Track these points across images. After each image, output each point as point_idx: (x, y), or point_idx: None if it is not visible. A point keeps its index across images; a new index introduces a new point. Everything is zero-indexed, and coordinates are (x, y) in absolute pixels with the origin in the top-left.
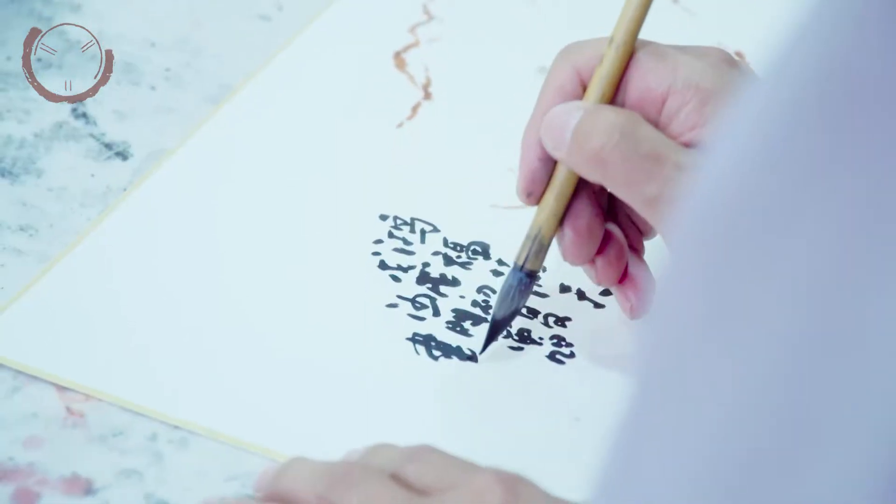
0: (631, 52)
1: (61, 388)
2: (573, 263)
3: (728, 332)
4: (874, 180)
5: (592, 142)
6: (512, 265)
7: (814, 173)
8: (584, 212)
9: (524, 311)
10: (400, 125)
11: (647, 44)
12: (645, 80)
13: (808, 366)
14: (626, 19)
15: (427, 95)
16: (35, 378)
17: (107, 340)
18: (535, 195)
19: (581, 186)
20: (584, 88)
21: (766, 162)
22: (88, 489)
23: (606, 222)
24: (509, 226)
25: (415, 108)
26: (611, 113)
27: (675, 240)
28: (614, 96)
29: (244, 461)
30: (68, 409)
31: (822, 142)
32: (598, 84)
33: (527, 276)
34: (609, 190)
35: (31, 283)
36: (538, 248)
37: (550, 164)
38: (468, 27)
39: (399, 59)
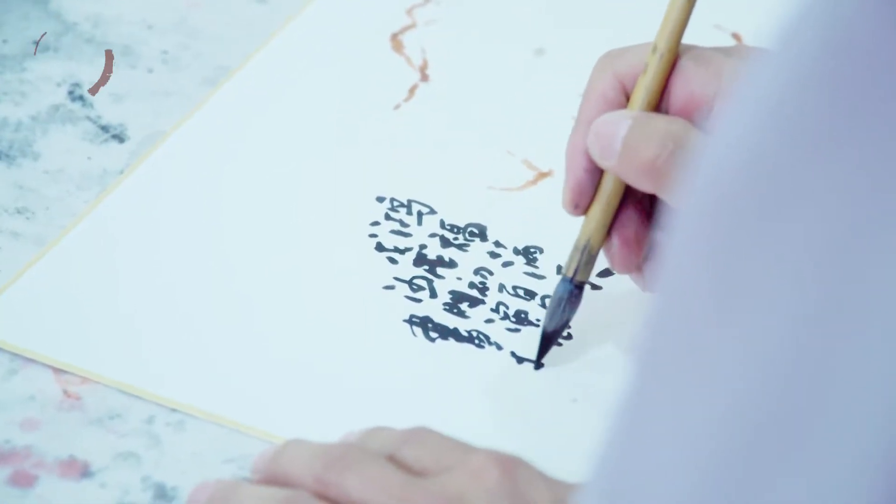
0: (675, 59)
1: (58, 371)
2: (621, 272)
3: (734, 311)
4: (882, 153)
5: (646, 152)
6: (561, 277)
7: (820, 148)
8: (631, 220)
9: (521, 292)
10: (397, 107)
11: (689, 48)
12: (689, 87)
13: (814, 345)
14: (668, 27)
15: (424, 77)
16: (32, 361)
17: (104, 323)
18: (582, 206)
19: (627, 195)
20: (627, 96)
21: (772, 138)
22: (85, 472)
23: (654, 229)
24: (506, 208)
25: (412, 90)
26: (662, 122)
27: (680, 218)
28: (659, 104)
29: (241, 443)
30: (65, 392)
31: (827, 115)
32: (643, 93)
33: (576, 288)
34: (662, 198)
35: (27, 266)
36: (587, 259)
37: (597, 174)
38: (465, 9)
39: (396, 41)
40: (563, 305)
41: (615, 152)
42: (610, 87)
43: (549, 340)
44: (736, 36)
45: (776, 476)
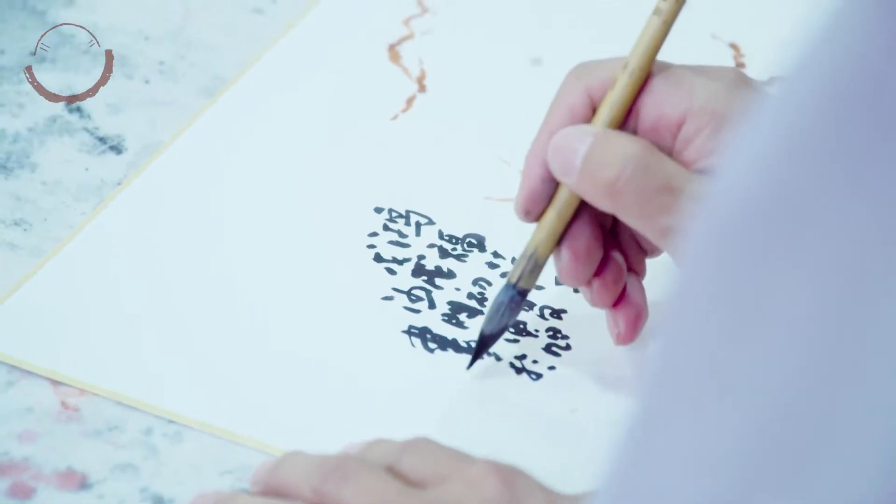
0: (645, 78)
1: (56, 383)
2: (569, 284)
3: (747, 332)
4: (893, 186)
5: (605, 173)
6: (505, 282)
7: (833, 173)
8: (584, 233)
9: None
10: (395, 118)
11: (662, 67)
12: (659, 106)
13: (828, 368)
14: (642, 45)
15: (422, 88)
16: (30, 373)
17: (101, 335)
18: (533, 214)
19: (583, 207)
20: (594, 111)
21: (786, 163)
22: (83, 483)
23: (608, 246)
24: (504, 218)
25: (409, 101)
26: (624, 142)
27: (693, 243)
28: (626, 120)
29: (239, 455)
30: (63, 404)
31: (840, 146)
32: (609, 108)
33: (518, 294)
34: (621, 219)
35: (25, 277)
36: (533, 266)
37: (552, 184)
38: (462, 19)
39: (393, 52)
40: (502, 310)
41: (575, 169)
42: (579, 99)
43: (485, 344)
44: (734, 46)
45: (786, 494)
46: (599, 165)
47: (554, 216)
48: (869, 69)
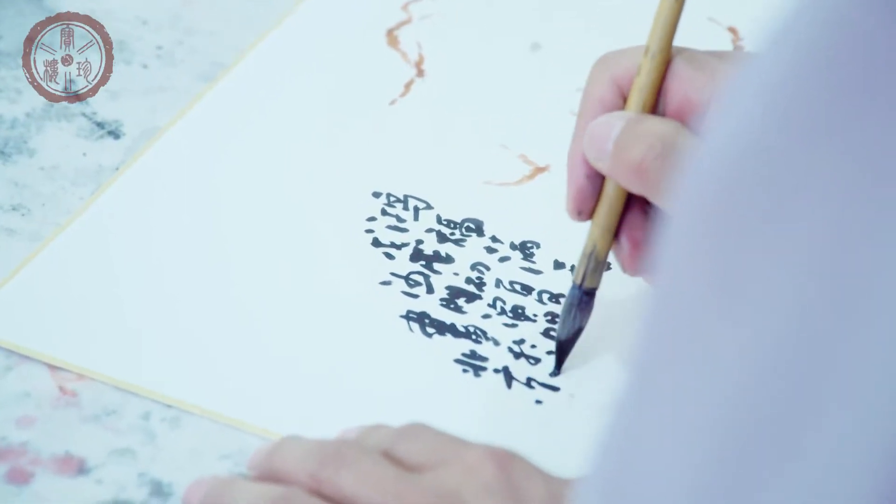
0: (667, 60)
1: (54, 368)
2: (632, 275)
3: (732, 307)
4: (881, 142)
5: (633, 153)
6: (571, 284)
7: (818, 138)
8: (640, 222)
9: (518, 287)
10: (393, 102)
11: (682, 51)
12: (684, 90)
13: (813, 341)
14: (659, 27)
15: (420, 73)
16: (27, 358)
17: (99, 320)
18: (585, 213)
19: (633, 196)
20: (624, 99)
21: (770, 127)
22: (81, 468)
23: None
24: (502, 203)
25: (408, 86)
26: (652, 123)
27: (677, 211)
28: (655, 105)
29: (237, 440)
30: (61, 389)
31: (826, 105)
32: (638, 94)
33: (586, 295)
34: (651, 200)
35: (23, 262)
36: (595, 265)
37: (598, 181)
38: (460, 4)
39: (392, 37)
40: (573, 313)
41: (607, 153)
42: (607, 90)
43: (562, 350)
44: (731, 30)
45: (774, 473)
46: (628, 146)
47: (606, 211)
48: (850, 30)
